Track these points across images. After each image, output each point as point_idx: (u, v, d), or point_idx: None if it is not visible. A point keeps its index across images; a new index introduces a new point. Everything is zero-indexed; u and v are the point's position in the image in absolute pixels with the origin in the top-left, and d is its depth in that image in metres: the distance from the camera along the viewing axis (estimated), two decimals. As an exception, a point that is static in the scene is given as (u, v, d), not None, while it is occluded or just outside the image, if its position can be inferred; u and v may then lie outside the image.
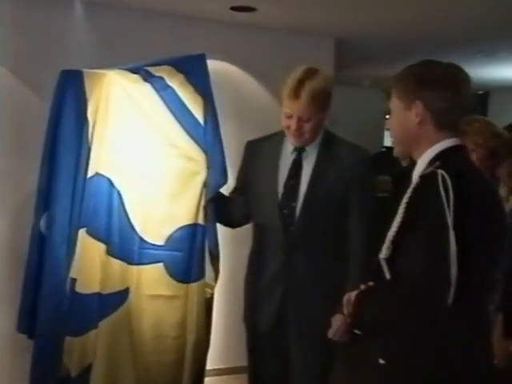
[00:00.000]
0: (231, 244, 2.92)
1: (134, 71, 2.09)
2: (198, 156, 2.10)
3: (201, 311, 2.12)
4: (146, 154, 2.10)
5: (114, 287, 2.06)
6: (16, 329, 2.13)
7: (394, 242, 1.36)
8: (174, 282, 2.10)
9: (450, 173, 1.29)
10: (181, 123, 2.09)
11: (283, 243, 2.05)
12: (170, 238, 2.09)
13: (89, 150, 2.07)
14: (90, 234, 2.05)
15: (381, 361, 1.44)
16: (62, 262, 2.06)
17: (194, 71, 2.10)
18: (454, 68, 1.45)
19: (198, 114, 2.09)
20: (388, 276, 1.40)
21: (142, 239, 2.08)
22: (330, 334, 2.02)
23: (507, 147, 2.38)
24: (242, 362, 2.28)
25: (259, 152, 2.16)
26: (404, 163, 3.71)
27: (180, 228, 2.09)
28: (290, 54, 3.18)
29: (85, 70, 2.08)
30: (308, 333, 2.04)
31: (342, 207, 2.04)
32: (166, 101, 2.08)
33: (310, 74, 1.95)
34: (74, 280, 2.05)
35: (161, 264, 2.09)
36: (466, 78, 1.45)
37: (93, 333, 2.05)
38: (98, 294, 2.05)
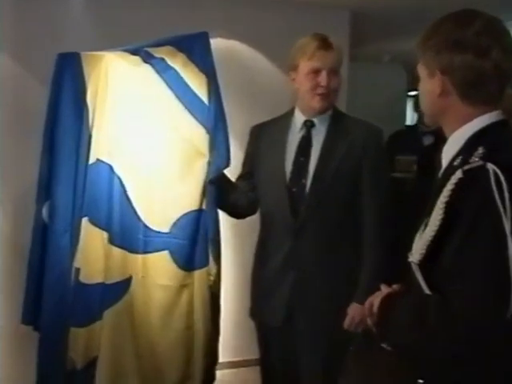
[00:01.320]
0: (240, 234, 2.85)
1: (133, 52, 2.01)
2: (203, 138, 2.01)
3: (206, 299, 2.04)
4: (148, 138, 2.02)
5: (117, 276, 2.00)
6: (21, 321, 2.10)
7: (429, 247, 1.14)
8: (180, 271, 2.02)
9: (501, 165, 1.06)
10: (184, 105, 2.00)
11: (292, 226, 1.96)
12: (174, 225, 2.01)
13: (89, 136, 2.00)
14: (93, 222, 2.00)
15: (420, 381, 1.22)
16: (66, 252, 2.01)
17: (195, 50, 2.01)
18: (486, 24, 1.17)
19: (202, 93, 2.00)
20: (422, 283, 1.18)
21: (146, 227, 2.01)
22: (346, 324, 1.93)
23: None
24: (255, 354, 2.21)
25: (265, 135, 2.09)
26: (426, 141, 3.56)
27: (185, 214, 2.01)
28: (301, 29, 2.99)
29: (82, 53, 2.01)
30: (317, 324, 1.96)
31: (353, 186, 1.96)
32: (168, 83, 2.00)
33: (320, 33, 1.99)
34: (78, 270, 2.00)
35: (166, 252, 2.02)
36: (500, 37, 1.17)
37: (98, 324, 2.00)
38: (102, 284, 1.99)
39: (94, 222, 1.99)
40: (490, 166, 1.07)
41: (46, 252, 2.03)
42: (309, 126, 2.01)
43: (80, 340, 1.99)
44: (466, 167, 1.11)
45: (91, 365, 1.99)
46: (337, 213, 1.97)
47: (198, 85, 2.00)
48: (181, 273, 2.03)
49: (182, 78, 1.99)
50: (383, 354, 1.45)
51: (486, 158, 1.10)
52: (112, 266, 2.00)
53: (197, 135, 2.01)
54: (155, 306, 2.03)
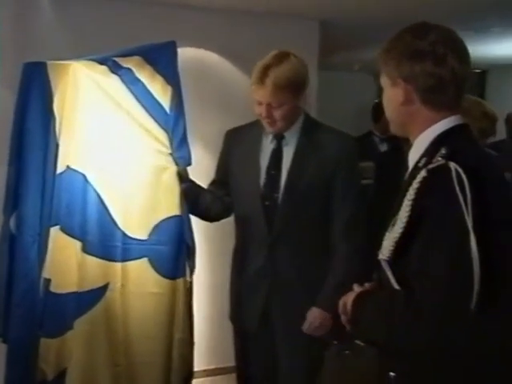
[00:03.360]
0: (215, 240, 2.85)
1: (101, 62, 2.01)
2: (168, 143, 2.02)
3: (186, 307, 2.05)
4: (122, 145, 2.02)
5: (91, 284, 1.98)
6: (-10, 334, 2.06)
7: (397, 243, 1.19)
8: (161, 278, 2.01)
9: (463, 164, 1.12)
10: (152, 115, 2.01)
11: (266, 237, 1.98)
12: (153, 232, 2.01)
13: (57, 145, 1.98)
14: (65, 231, 1.97)
15: (391, 374, 1.26)
16: (34, 263, 1.99)
17: (163, 61, 2.02)
18: (441, 34, 1.26)
19: (167, 104, 2.01)
20: (392, 279, 1.22)
21: (125, 235, 2.00)
22: (304, 327, 1.95)
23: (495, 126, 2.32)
24: (231, 361, 2.21)
25: (239, 141, 2.10)
26: (382, 148, 3.67)
27: (164, 220, 2.01)
28: (271, 39, 3.06)
29: (48, 62, 2.00)
30: (294, 330, 1.97)
31: (325, 197, 1.97)
32: (135, 94, 2.00)
33: (279, 59, 1.89)
34: (47, 280, 1.98)
35: (145, 259, 2.01)
36: (455, 46, 1.26)
37: (69, 334, 1.97)
38: (75, 293, 1.97)
39: (67, 231, 1.97)
40: (452, 165, 1.13)
41: (14, 263, 2.01)
42: (279, 138, 2.01)
43: (51, 351, 1.97)
44: (430, 166, 1.17)
45: (62, 375, 1.96)
46: (310, 224, 1.99)
47: (163, 96, 2.01)
48: (161, 280, 2.01)
49: (149, 90, 2.00)
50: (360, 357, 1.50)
51: (448, 157, 1.16)
52: (86, 275, 1.98)
53: (168, 143, 2.01)
54: (135, 313, 2.01)
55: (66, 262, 1.98)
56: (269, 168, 1.99)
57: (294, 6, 3.21)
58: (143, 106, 2.00)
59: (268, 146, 2.02)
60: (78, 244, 1.98)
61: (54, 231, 1.98)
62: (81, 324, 1.96)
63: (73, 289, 1.97)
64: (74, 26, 2.88)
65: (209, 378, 3.23)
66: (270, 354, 2.03)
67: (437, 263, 1.12)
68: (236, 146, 2.09)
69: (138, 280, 2.01)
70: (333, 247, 1.98)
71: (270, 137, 2.02)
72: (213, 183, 2.17)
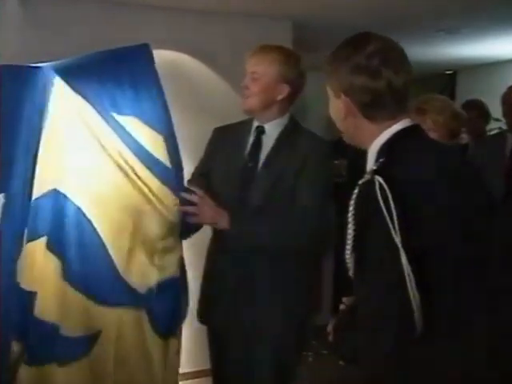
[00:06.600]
0: (191, 241, 2.81)
1: None
2: (161, 146, 1.88)
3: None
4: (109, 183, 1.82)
5: (77, 325, 1.79)
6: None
7: (349, 259, 1.16)
8: (156, 337, 1.86)
9: (390, 177, 1.08)
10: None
11: None
12: (153, 287, 1.84)
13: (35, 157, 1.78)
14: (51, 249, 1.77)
15: None
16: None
17: (138, 64, 1.94)
18: (377, 46, 1.21)
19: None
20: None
21: (120, 278, 1.80)
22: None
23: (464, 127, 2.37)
24: (207, 364, 2.20)
25: (227, 137, 2.11)
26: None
27: (166, 279, 1.86)
28: (244, 39, 3.07)
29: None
30: (267, 329, 1.97)
31: (291, 194, 1.96)
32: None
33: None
34: (33, 294, 1.75)
35: (143, 311, 1.84)
36: (390, 56, 1.21)
37: (51, 368, 1.77)
38: (57, 329, 1.76)
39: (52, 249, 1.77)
40: (377, 179, 1.09)
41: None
42: (259, 131, 2.04)
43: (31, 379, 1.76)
44: (360, 181, 1.15)
45: None
46: None
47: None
48: (155, 339, 1.87)
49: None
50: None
51: (376, 171, 1.12)
52: (69, 312, 1.78)
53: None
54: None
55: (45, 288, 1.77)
56: (248, 159, 2.02)
57: (266, 7, 3.21)
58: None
59: (251, 140, 2.04)
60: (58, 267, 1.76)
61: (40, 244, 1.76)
62: (59, 369, 1.78)
63: (52, 319, 1.77)
64: (43, 27, 2.83)
65: (187, 382, 3.21)
66: (243, 356, 2.02)
67: (368, 282, 1.10)
68: (223, 142, 2.10)
69: (135, 332, 1.84)
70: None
71: (253, 130, 2.04)
72: (192, 177, 2.11)
